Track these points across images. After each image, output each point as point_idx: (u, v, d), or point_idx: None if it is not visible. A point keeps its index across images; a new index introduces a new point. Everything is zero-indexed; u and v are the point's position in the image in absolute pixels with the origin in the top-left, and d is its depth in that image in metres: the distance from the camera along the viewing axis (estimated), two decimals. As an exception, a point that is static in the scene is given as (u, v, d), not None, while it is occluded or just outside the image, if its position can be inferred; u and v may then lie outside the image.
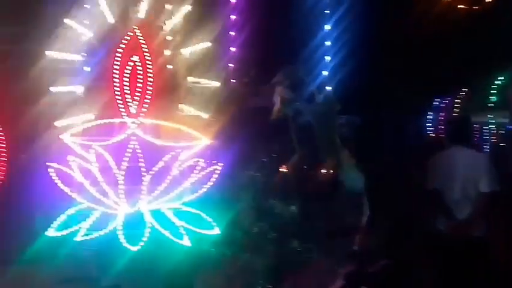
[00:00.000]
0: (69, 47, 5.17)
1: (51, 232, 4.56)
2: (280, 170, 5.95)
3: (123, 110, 4.97)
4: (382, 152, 6.57)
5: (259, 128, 6.18)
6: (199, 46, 5.70)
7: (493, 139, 6.97)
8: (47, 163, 4.58)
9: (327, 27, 7.30)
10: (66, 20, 5.06)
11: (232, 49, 6.66)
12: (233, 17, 6.89)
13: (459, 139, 5.25)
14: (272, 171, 5.91)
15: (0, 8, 5.07)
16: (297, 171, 6.05)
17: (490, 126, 7.07)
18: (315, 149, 6.22)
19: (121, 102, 4.97)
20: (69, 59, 5.17)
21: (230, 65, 6.50)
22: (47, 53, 5.06)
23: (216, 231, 5.04)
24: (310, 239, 5.50)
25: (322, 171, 6.14)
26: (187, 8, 5.48)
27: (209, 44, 5.73)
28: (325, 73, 7.05)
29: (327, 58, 7.21)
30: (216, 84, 5.74)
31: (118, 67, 5.00)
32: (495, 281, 5.00)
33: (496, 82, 7.15)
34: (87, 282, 4.48)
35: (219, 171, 5.22)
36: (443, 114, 6.68)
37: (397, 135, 6.74)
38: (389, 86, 7.01)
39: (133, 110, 5.00)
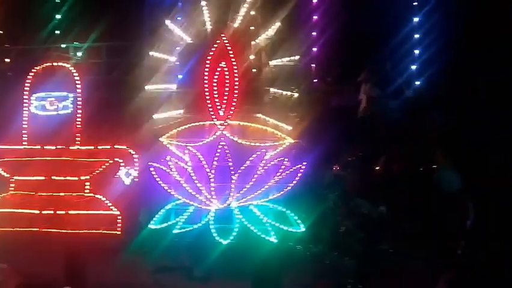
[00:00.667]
0: (166, 55, 5.65)
1: (152, 225, 5.01)
2: (368, 169, 5.81)
3: (212, 113, 5.27)
4: (481, 151, 6.04)
5: (345, 127, 6.11)
6: (284, 49, 5.85)
7: None
8: (148, 163, 5.03)
9: (416, 19, 6.98)
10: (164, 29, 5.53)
11: (314, 49, 6.69)
12: (315, 16, 6.92)
13: None
14: (359, 170, 5.79)
15: (110, 26, 5.70)
16: (386, 170, 5.85)
17: None
18: (406, 147, 5.96)
19: (211, 105, 5.28)
20: (166, 66, 5.63)
21: (312, 65, 6.53)
22: (146, 63, 5.58)
23: (302, 229, 5.08)
24: (401, 240, 5.28)
25: (414, 170, 5.87)
26: (268, 9, 5.67)
27: (292, 45, 5.86)
28: (414, 67, 6.74)
29: (416, 52, 6.88)
30: (300, 85, 5.84)
31: (207, 73, 5.32)
32: None
33: None
34: (181, 272, 4.80)
35: (303, 170, 5.26)
36: None
37: (497, 132, 6.15)
38: (487, 80, 6.45)
39: (221, 112, 5.27)
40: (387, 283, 4.90)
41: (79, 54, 5.64)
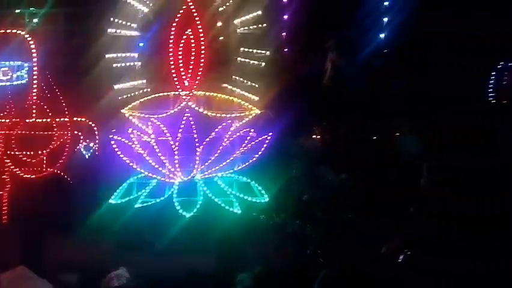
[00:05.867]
0: (127, 22, 4.94)
1: (113, 200, 4.56)
2: (331, 137, 5.38)
3: (177, 83, 4.72)
4: (445, 115, 5.67)
5: (312, 96, 5.59)
6: (251, 16, 5.19)
7: None
8: (109, 135, 4.49)
9: (385, -14, 6.28)
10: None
11: (285, 16, 5.98)
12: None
13: None
14: (323, 139, 5.37)
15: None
16: (350, 138, 5.44)
17: None
18: (371, 115, 5.53)
19: (176, 75, 4.73)
20: (127, 34, 4.93)
21: (282, 33, 5.86)
22: (107, 29, 4.87)
23: (266, 199, 4.73)
24: (361, 207, 4.98)
25: (376, 137, 5.49)
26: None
27: (259, 12, 5.21)
28: (382, 36, 6.13)
29: (385, 19, 6.23)
30: (268, 53, 5.24)
31: (172, 41, 4.70)
32: None
33: None
34: (143, 247, 4.41)
35: (269, 141, 4.83)
36: (507, 77, 5.56)
37: (460, 100, 5.76)
38: (451, 47, 5.95)
39: (186, 82, 4.72)
40: (346, 249, 4.62)
41: (35, 20, 4.85)
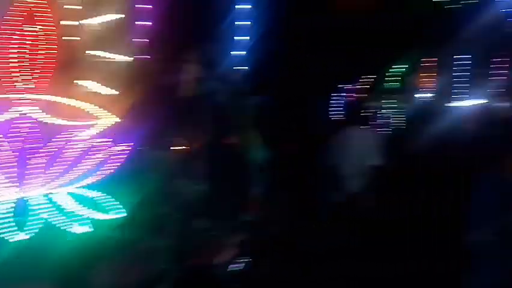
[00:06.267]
0: None
1: None
2: (186, 148, 5.36)
3: (8, 85, 4.04)
4: (290, 132, 6.32)
5: (169, 107, 5.49)
6: (106, 18, 4.81)
7: (389, 122, 7.10)
8: None
9: (246, 6, 6.66)
10: None
11: (145, 23, 5.74)
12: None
13: (354, 121, 5.55)
14: (180, 150, 5.31)
15: None
16: (202, 149, 5.51)
17: (387, 110, 7.14)
18: (222, 128, 5.71)
19: (7, 76, 4.03)
20: None
21: (142, 40, 5.60)
22: None
23: (118, 215, 4.41)
24: (214, 217, 5.06)
25: (227, 149, 5.68)
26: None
27: (118, 16, 4.87)
28: (240, 53, 6.45)
29: (244, 38, 6.60)
30: (124, 59, 4.92)
31: (6, 35, 4.01)
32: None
33: (396, 70, 7.20)
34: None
35: (124, 152, 4.52)
36: (345, 98, 6.63)
37: (304, 116, 6.50)
38: (300, 69, 6.68)
39: (20, 85, 4.08)
40: (198, 259, 4.63)
41: None
